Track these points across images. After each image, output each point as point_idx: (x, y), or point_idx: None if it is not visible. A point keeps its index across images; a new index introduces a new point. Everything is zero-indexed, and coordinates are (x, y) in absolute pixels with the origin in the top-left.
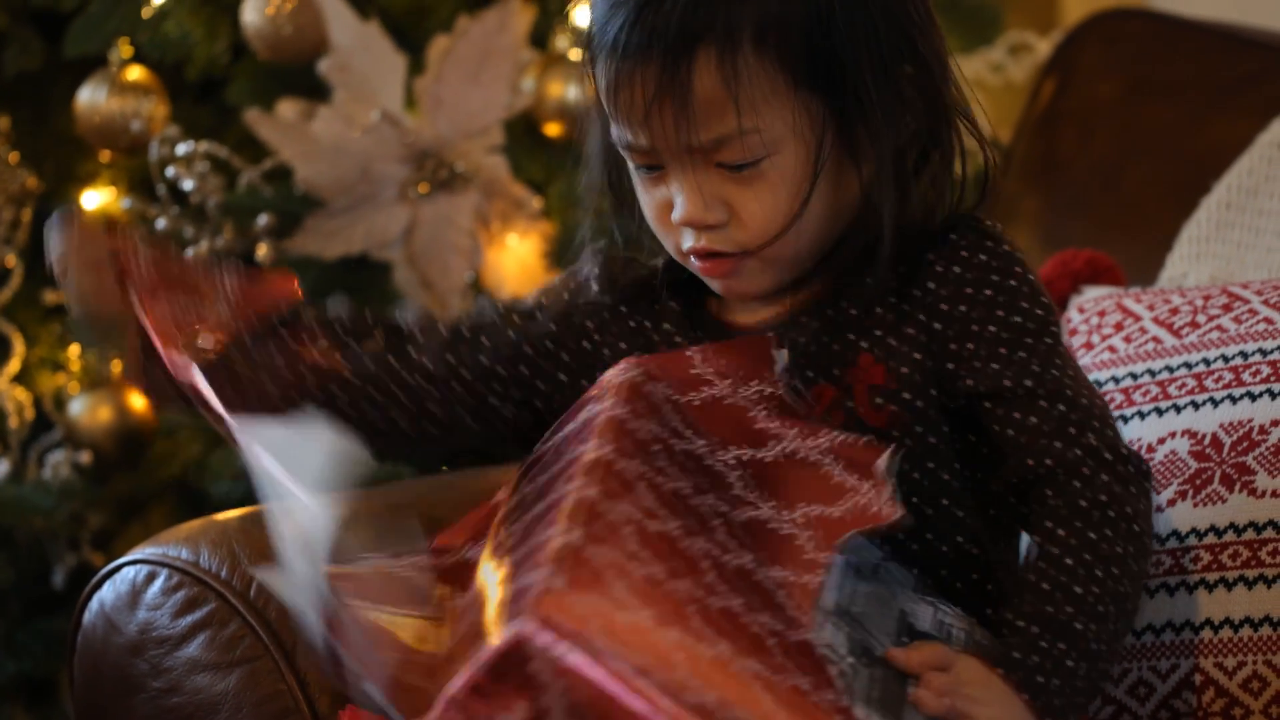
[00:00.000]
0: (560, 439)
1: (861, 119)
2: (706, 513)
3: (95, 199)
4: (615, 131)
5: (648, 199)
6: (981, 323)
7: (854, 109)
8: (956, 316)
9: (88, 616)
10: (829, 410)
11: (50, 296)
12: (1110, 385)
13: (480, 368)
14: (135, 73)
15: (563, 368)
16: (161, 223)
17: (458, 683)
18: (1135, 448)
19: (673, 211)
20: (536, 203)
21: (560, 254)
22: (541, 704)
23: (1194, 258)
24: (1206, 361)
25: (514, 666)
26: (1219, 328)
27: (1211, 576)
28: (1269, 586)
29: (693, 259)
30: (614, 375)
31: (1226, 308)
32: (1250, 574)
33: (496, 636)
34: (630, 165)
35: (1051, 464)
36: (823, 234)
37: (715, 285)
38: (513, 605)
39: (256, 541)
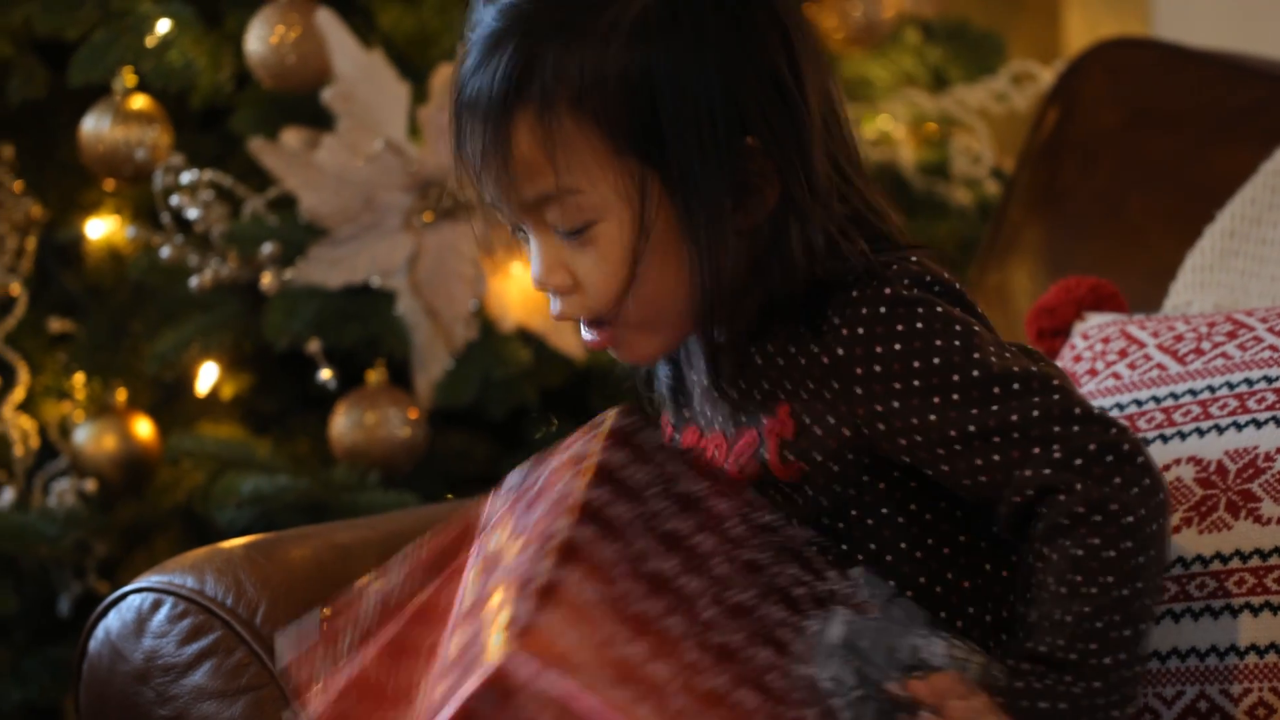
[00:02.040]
0: (546, 472)
1: (695, 189)
2: (707, 551)
3: (100, 227)
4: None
5: (525, 261)
6: (901, 379)
7: (686, 178)
8: (873, 377)
9: (93, 644)
10: (749, 456)
11: (55, 325)
12: (1115, 412)
13: None
14: (139, 101)
15: None
16: (166, 252)
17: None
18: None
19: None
20: None
21: None
22: None
23: (1198, 286)
24: (1211, 389)
25: (500, 699)
26: (1224, 355)
27: (1217, 603)
28: (1275, 613)
29: (583, 333)
30: (606, 419)
31: (1231, 335)
32: (1256, 601)
33: (476, 674)
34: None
35: (1033, 492)
36: (682, 295)
37: (614, 354)
38: (497, 641)
39: (262, 569)
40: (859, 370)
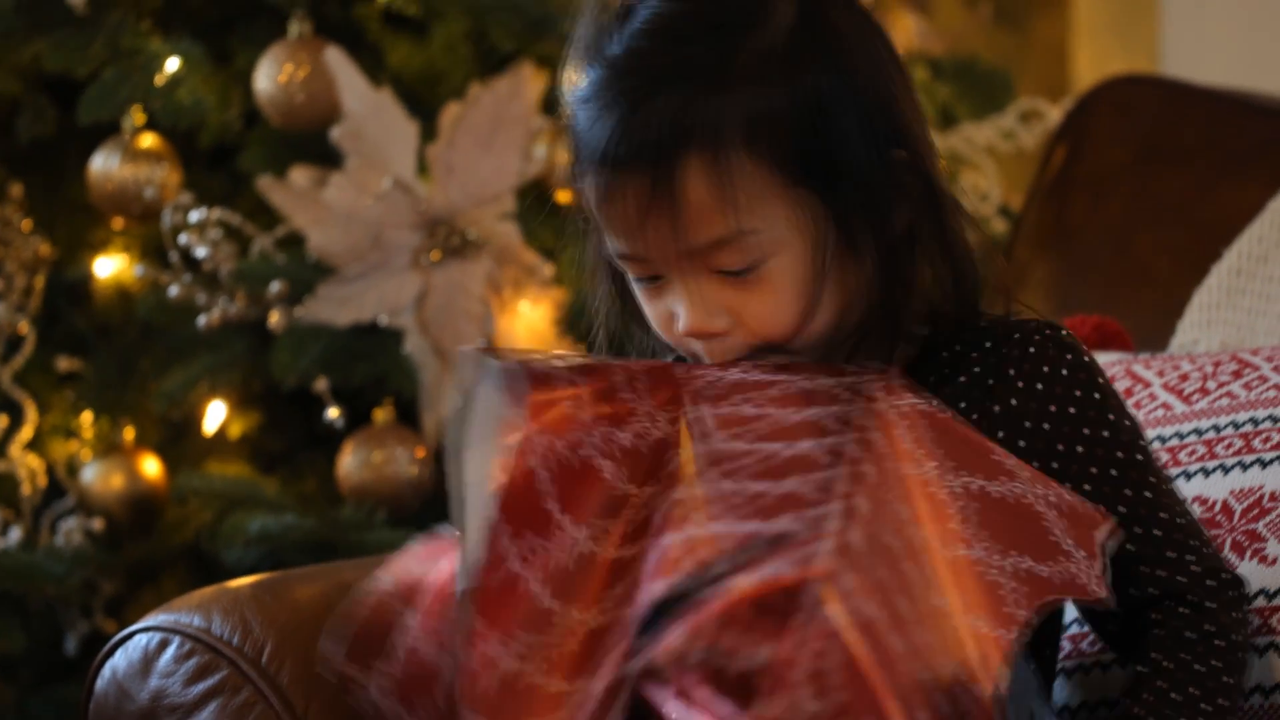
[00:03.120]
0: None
1: (861, 207)
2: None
3: (108, 266)
4: (609, 243)
5: (651, 311)
6: (1070, 441)
7: (852, 199)
8: (1043, 434)
9: (100, 684)
10: None
11: (63, 363)
12: None
13: None
14: (148, 140)
15: None
16: (174, 290)
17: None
18: None
19: (677, 322)
20: (548, 270)
21: (572, 321)
22: (791, 656)
23: (1204, 324)
24: (1217, 428)
25: (781, 606)
26: (1229, 394)
27: None
28: None
29: None
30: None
31: (1237, 374)
32: (1261, 642)
33: (769, 571)
34: (630, 277)
35: (1156, 593)
36: (831, 327)
37: None
38: (787, 550)
39: (269, 609)
40: (1029, 424)
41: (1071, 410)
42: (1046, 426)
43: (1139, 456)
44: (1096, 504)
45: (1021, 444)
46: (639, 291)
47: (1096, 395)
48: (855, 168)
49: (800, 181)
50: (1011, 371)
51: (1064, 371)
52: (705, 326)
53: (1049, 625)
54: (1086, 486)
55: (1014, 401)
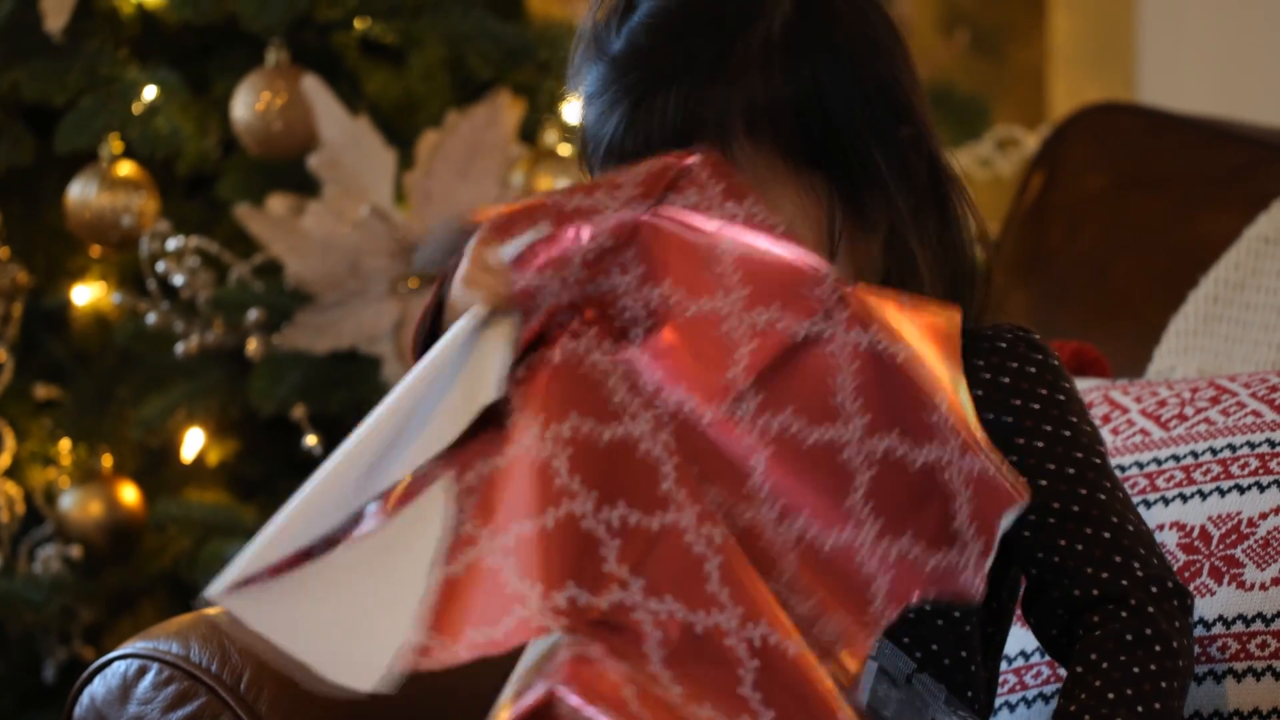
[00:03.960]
0: None
1: (868, 186)
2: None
3: (86, 294)
4: None
5: None
6: (1029, 436)
7: (859, 178)
8: (1002, 426)
9: (79, 711)
10: None
11: (40, 391)
12: None
13: None
14: (126, 168)
15: None
16: (152, 318)
17: None
18: None
19: None
20: None
21: None
22: None
23: (1181, 351)
24: (1195, 454)
25: None
26: (1207, 420)
27: (1201, 669)
28: (1259, 679)
29: None
30: None
31: (1214, 400)
32: (1239, 666)
33: (521, 696)
34: None
35: (1098, 594)
36: None
37: None
38: (543, 667)
39: (247, 636)
40: (990, 415)
41: (1035, 406)
42: (1008, 420)
43: (1096, 460)
44: (1031, 484)
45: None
46: None
47: (1060, 396)
48: (860, 148)
49: (806, 164)
50: (979, 363)
51: (1031, 369)
52: None
53: (989, 657)
54: (1042, 482)
55: (979, 392)
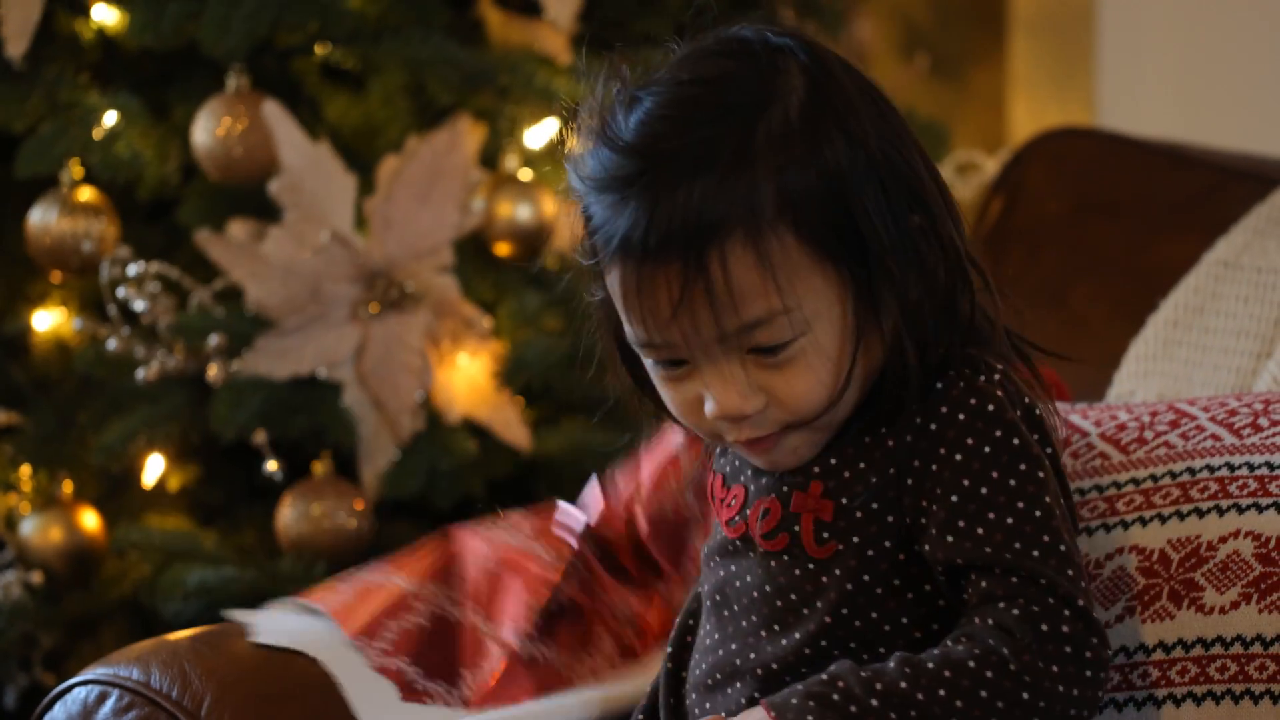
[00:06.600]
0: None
1: (883, 277)
2: None
3: (46, 319)
4: (631, 332)
5: (673, 395)
6: (958, 488)
7: (875, 269)
8: (930, 476)
9: None
10: (775, 530)
11: (1, 417)
12: None
13: None
14: (86, 193)
15: None
16: (112, 343)
17: None
18: (1083, 562)
19: (705, 406)
20: (487, 322)
21: (510, 373)
22: None
23: (1141, 375)
24: (1154, 478)
25: None
26: (1166, 444)
27: (1160, 693)
28: (1217, 703)
29: (741, 448)
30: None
31: (1174, 424)
32: (1199, 690)
33: None
34: (648, 363)
35: (985, 586)
36: (859, 394)
37: (757, 461)
38: None
39: (208, 661)
40: (917, 464)
41: (958, 458)
42: (935, 468)
43: (1021, 503)
44: (939, 538)
45: (909, 482)
46: (658, 377)
47: (998, 434)
48: (878, 238)
49: (829, 256)
50: (913, 409)
51: (961, 417)
52: (740, 409)
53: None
54: (979, 532)
55: (909, 438)
